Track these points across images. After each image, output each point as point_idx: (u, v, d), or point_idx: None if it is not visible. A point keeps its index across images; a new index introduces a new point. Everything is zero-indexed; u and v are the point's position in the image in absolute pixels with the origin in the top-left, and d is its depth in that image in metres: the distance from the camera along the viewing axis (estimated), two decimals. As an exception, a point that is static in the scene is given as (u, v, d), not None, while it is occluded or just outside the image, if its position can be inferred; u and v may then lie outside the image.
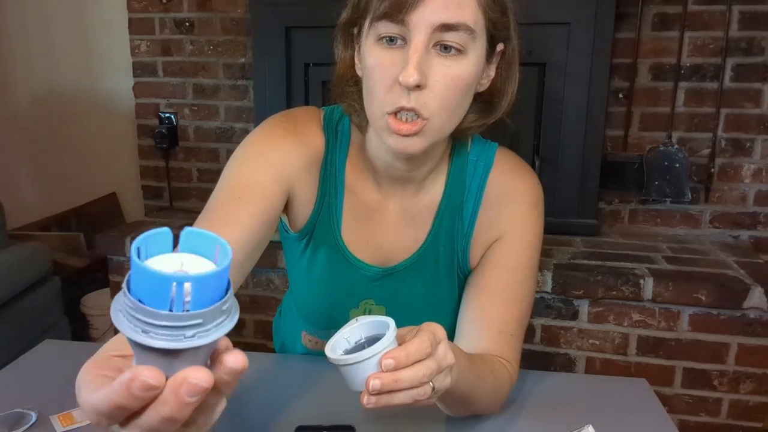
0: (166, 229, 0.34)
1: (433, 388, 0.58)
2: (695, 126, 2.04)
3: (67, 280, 2.32)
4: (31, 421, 0.80)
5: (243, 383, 0.89)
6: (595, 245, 1.96)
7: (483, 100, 0.79)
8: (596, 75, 1.95)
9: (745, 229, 2.08)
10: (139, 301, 0.32)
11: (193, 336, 0.32)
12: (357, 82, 0.78)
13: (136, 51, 2.40)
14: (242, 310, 2.18)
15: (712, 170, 2.05)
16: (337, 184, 0.85)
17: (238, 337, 2.04)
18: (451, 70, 0.69)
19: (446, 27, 0.67)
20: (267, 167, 0.79)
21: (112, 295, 2.11)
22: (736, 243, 2.04)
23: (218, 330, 0.34)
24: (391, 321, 0.57)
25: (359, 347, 0.58)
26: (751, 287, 1.63)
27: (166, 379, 0.34)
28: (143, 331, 0.32)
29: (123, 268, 2.06)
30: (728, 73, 1.98)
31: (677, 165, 2.04)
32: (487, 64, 0.75)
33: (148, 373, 0.33)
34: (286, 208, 0.86)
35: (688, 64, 2.00)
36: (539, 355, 1.81)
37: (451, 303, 0.90)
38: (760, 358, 1.69)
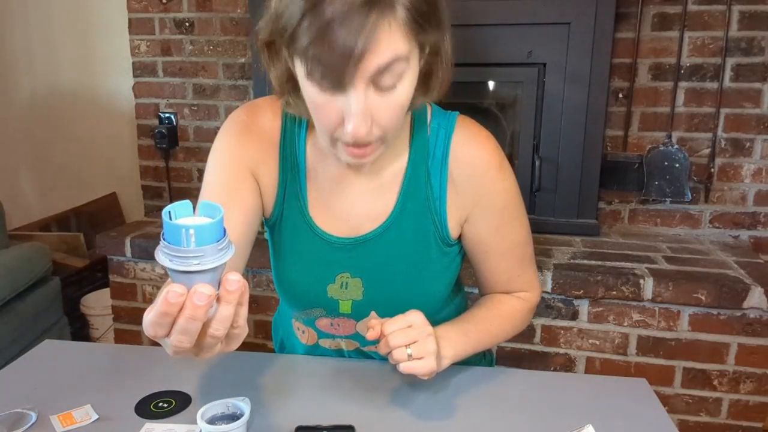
0: (187, 201, 0.53)
1: (410, 354, 0.76)
2: (695, 126, 2.04)
3: (67, 280, 2.32)
4: (31, 421, 0.80)
5: (243, 383, 0.89)
6: (595, 245, 1.96)
7: (421, 82, 0.77)
8: (596, 75, 1.95)
9: (745, 229, 2.08)
10: (167, 242, 0.50)
11: (198, 264, 0.50)
12: (299, 95, 0.76)
13: (136, 51, 2.40)
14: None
15: (712, 170, 2.05)
16: (299, 163, 0.88)
17: (238, 337, 2.04)
18: (392, 102, 0.71)
19: (381, 70, 0.67)
20: (231, 171, 0.86)
21: (112, 295, 2.11)
22: (736, 243, 2.04)
23: (215, 261, 0.51)
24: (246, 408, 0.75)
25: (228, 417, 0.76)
26: (751, 287, 1.63)
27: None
28: (170, 260, 0.50)
29: (123, 268, 2.06)
30: (728, 73, 1.98)
31: (677, 165, 2.04)
32: (420, 60, 0.75)
33: (176, 287, 0.50)
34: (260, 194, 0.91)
35: (687, 64, 2.00)
36: (539, 355, 1.81)
37: (435, 271, 0.91)
38: (760, 358, 1.69)
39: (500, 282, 0.96)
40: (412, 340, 0.77)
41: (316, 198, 0.89)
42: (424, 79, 0.77)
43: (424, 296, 0.91)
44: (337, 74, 0.66)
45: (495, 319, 0.93)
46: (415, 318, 0.78)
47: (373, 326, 0.78)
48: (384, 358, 0.98)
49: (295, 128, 0.88)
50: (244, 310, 0.57)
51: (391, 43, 0.66)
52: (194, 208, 0.54)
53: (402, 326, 0.77)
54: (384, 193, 0.88)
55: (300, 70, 0.70)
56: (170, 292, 0.50)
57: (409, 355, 0.76)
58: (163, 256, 0.51)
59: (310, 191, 0.89)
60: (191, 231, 0.49)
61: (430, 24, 0.70)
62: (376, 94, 0.69)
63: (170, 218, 0.51)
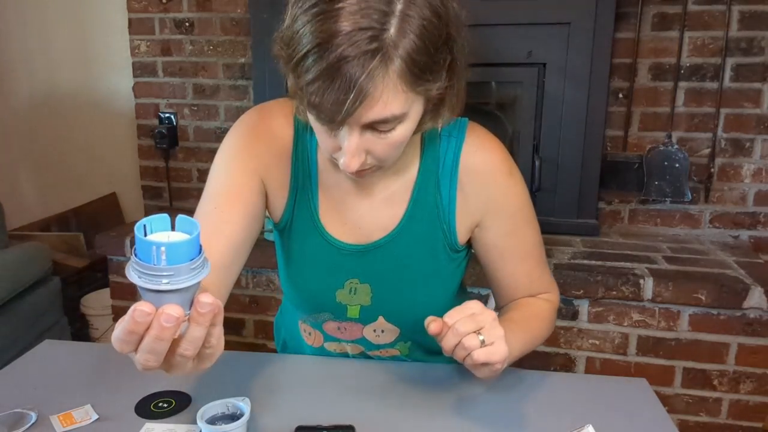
0: (165, 215, 0.50)
1: (483, 341, 0.71)
2: (695, 126, 2.04)
3: (67, 280, 2.32)
4: (31, 421, 0.80)
5: (243, 382, 0.89)
6: (595, 245, 1.96)
7: (433, 104, 0.76)
8: (596, 75, 1.95)
9: (745, 229, 2.08)
10: (138, 258, 0.47)
11: (168, 282, 0.47)
12: None
13: (136, 51, 2.40)
14: (242, 310, 2.17)
15: (712, 170, 2.05)
16: (310, 169, 0.89)
17: (238, 337, 2.04)
18: (389, 141, 0.71)
19: (376, 122, 0.68)
20: (239, 171, 0.85)
21: (112, 295, 2.11)
22: (735, 243, 2.04)
23: (187, 281, 0.48)
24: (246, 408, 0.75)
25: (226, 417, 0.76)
26: (751, 287, 1.63)
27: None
28: (139, 277, 0.47)
29: (123, 268, 2.06)
30: (728, 73, 1.98)
31: (677, 165, 2.04)
32: (424, 103, 0.73)
33: (144, 305, 0.48)
34: (266, 199, 0.90)
35: (687, 64, 2.00)
36: (539, 355, 1.81)
37: (442, 276, 0.92)
38: (760, 358, 1.69)
39: (521, 285, 0.95)
40: (480, 325, 0.72)
41: (326, 205, 0.89)
42: (436, 107, 0.76)
43: (432, 300, 0.92)
44: (331, 119, 0.67)
45: (532, 321, 0.91)
46: (475, 306, 0.74)
47: (433, 319, 0.74)
48: (383, 359, 0.99)
49: (307, 136, 0.88)
50: (218, 330, 0.54)
51: (388, 100, 0.66)
52: (173, 221, 0.51)
53: (465, 314, 0.72)
54: (394, 202, 0.88)
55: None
56: (137, 311, 0.48)
57: (482, 342, 0.71)
58: (133, 272, 0.48)
59: (321, 198, 0.89)
60: (162, 248, 0.46)
61: (434, 73, 0.68)
62: (372, 135, 0.70)
63: (144, 233, 0.48)
